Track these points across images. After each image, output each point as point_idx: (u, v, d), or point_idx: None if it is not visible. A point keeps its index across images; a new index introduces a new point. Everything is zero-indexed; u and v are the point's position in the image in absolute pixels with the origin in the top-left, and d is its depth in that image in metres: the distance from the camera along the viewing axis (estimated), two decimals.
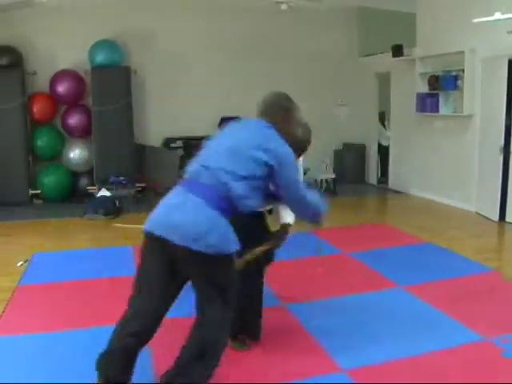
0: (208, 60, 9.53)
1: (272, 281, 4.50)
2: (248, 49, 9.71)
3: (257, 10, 9.53)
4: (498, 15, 6.33)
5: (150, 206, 2.71)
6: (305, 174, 3.77)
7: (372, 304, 4.15)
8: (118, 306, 2.70)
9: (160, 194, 2.86)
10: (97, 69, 8.40)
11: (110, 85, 8.36)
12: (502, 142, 6.85)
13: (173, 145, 9.26)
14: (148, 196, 8.29)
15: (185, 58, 9.37)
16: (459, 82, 7.71)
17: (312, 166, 9.51)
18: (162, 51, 9.21)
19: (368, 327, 3.72)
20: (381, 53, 9.62)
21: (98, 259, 5.40)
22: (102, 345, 2.61)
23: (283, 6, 8.67)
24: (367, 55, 10.32)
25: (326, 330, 3.64)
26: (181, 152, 9.19)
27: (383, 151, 10.37)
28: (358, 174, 10.57)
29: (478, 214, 7.40)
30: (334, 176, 9.37)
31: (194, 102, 9.27)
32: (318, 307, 4.06)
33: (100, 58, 8.39)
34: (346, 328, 3.70)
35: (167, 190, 2.70)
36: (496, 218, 6.93)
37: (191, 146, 9.39)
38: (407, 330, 3.67)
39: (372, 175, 10.57)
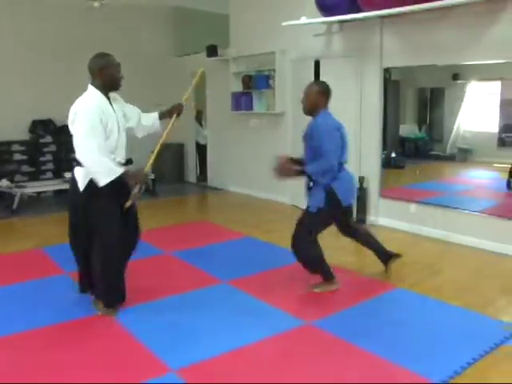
0: (16, 60, 8.73)
1: None
2: (60, 48, 9.12)
3: (69, 8, 9.02)
4: (303, 19, 6.77)
5: None
6: None
7: (197, 301, 4.11)
8: None
9: None
10: None
11: None
12: None
13: None
14: None
15: None
16: (271, 82, 8.05)
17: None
18: None
19: (195, 324, 3.67)
20: (197, 53, 9.68)
21: None
22: None
23: (95, 4, 8.33)
24: (184, 55, 10.33)
25: (153, 332, 3.53)
26: None
27: (201, 150, 10.48)
28: (177, 173, 10.59)
29: (294, 206, 7.79)
30: (153, 176, 9.18)
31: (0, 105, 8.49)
32: (142, 311, 3.90)
33: None
34: (173, 328, 3.61)
35: None
36: None
37: None
38: (234, 323, 3.69)
39: (191, 174, 10.62)
